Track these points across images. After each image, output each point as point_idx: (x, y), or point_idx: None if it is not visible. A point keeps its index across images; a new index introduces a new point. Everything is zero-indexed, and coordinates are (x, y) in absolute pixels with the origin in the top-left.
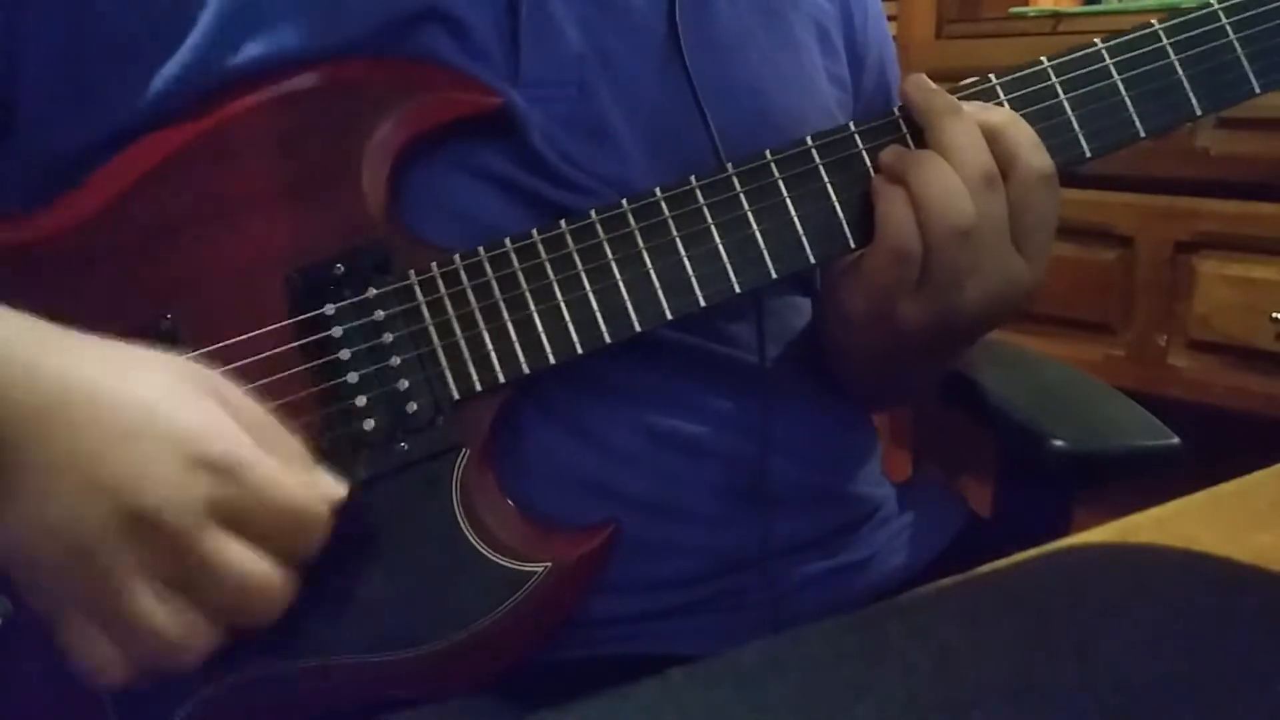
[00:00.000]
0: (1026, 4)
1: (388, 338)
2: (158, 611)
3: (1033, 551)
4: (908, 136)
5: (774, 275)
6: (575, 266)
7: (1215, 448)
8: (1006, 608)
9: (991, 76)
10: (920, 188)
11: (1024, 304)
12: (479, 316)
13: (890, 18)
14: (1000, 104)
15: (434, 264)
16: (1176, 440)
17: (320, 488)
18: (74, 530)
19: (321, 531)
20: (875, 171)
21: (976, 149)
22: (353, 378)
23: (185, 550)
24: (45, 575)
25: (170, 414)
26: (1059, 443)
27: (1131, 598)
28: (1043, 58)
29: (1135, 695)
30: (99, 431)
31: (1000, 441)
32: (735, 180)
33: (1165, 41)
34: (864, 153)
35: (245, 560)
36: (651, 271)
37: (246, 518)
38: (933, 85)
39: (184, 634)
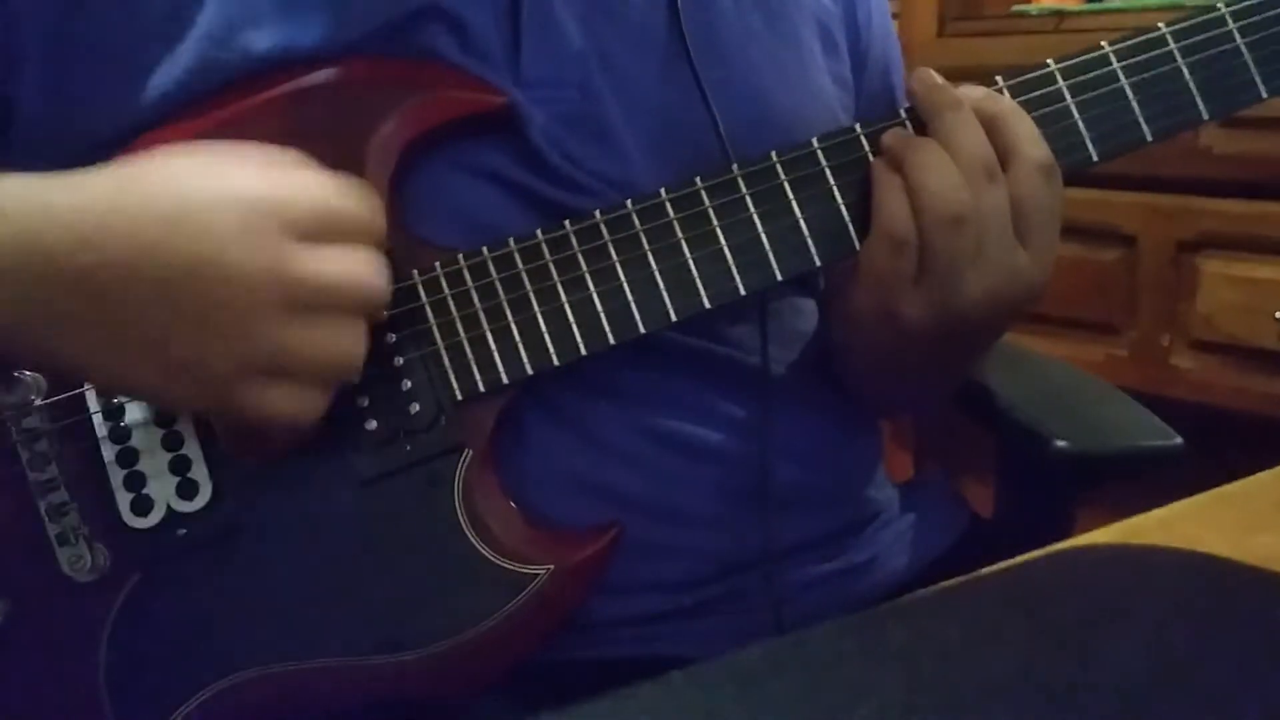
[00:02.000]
0: (1029, 2)
1: (391, 338)
2: (310, 337)
3: (1035, 553)
4: (908, 124)
5: (779, 277)
6: (580, 268)
7: (1218, 448)
8: (1008, 609)
9: (998, 78)
10: (916, 175)
11: (1031, 303)
12: (482, 317)
13: (892, 16)
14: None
15: (437, 264)
16: (1179, 441)
17: (365, 196)
18: (209, 318)
19: (384, 228)
20: (875, 156)
21: (975, 140)
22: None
23: (308, 282)
24: (200, 373)
25: (235, 188)
26: (1061, 443)
27: (1133, 598)
28: (1049, 60)
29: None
30: (185, 226)
31: (1002, 442)
32: (741, 182)
33: (1173, 45)
34: (870, 155)
35: (344, 264)
36: (656, 273)
37: (327, 238)
38: (938, 79)
39: (339, 347)
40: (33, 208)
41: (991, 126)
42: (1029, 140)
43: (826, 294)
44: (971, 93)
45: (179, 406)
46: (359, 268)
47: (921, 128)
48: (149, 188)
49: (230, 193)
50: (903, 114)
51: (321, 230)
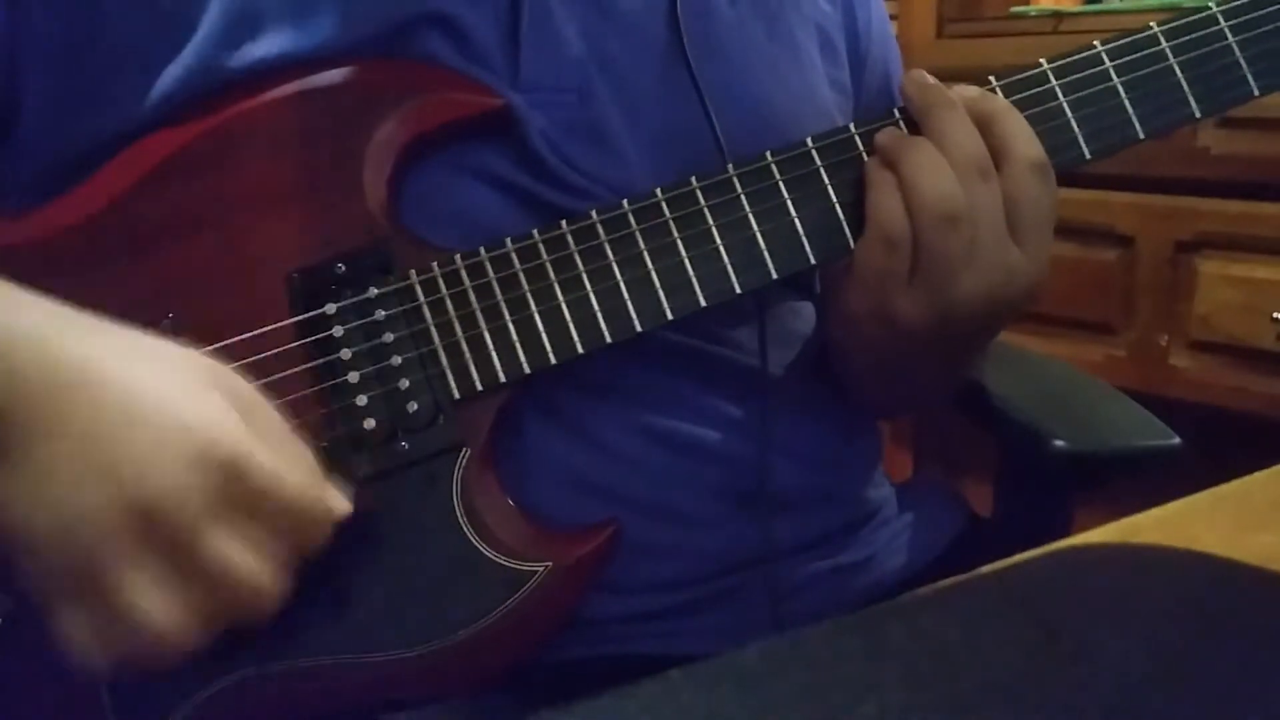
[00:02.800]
0: (1027, 3)
1: (389, 337)
2: (146, 603)
3: (1033, 552)
4: (902, 124)
5: (774, 276)
6: (576, 267)
7: (1216, 448)
8: (1007, 608)
9: (991, 78)
10: (909, 173)
11: (1026, 302)
12: (480, 316)
13: (891, 17)
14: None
15: (435, 264)
16: (1177, 440)
17: (325, 497)
18: (72, 510)
19: (322, 539)
20: (869, 155)
21: (968, 139)
22: (353, 377)
23: (182, 543)
24: (39, 555)
25: (181, 406)
26: (1060, 443)
27: (1132, 598)
28: (1042, 60)
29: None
30: (110, 416)
31: (1001, 442)
32: (736, 181)
33: (1165, 44)
34: (865, 154)
35: (241, 559)
36: (652, 272)
37: (247, 517)
38: (931, 80)
39: (171, 629)
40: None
41: (985, 126)
42: (1022, 139)
43: (823, 295)
44: (965, 92)
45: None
46: (265, 575)
47: (915, 127)
48: (104, 382)
49: (188, 424)
50: (896, 114)
51: (251, 507)
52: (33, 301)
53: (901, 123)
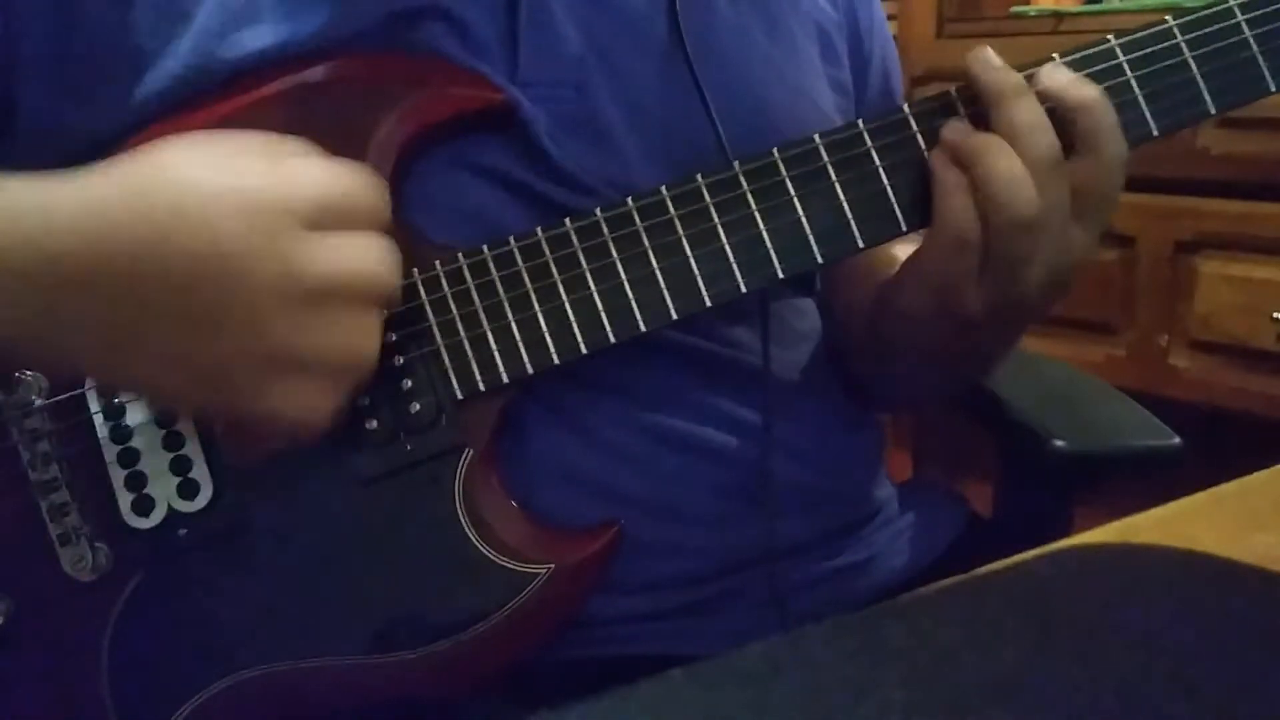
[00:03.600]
0: (1027, 3)
1: (391, 337)
2: (321, 333)
3: (1033, 552)
4: (959, 104)
5: (781, 275)
6: (580, 266)
7: (1216, 448)
8: (1007, 608)
9: (1055, 55)
10: (983, 177)
11: (1077, 270)
12: (482, 316)
13: (890, 17)
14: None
15: (437, 262)
16: (1177, 440)
17: (363, 181)
18: (223, 317)
19: (388, 215)
20: (929, 149)
21: (1042, 133)
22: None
23: (306, 275)
24: (235, 366)
25: (237, 187)
26: (1060, 443)
27: (1132, 598)
28: (1054, 55)
29: (1135, 695)
30: (192, 231)
31: (1001, 442)
32: (742, 179)
33: (1180, 39)
34: (873, 151)
35: (350, 256)
36: (657, 271)
37: (333, 229)
38: (998, 61)
39: (351, 339)
40: (32, 208)
41: (1071, 115)
42: (1111, 135)
43: (831, 288)
44: (1057, 77)
45: (186, 407)
46: (368, 255)
47: (924, 127)
48: (148, 184)
49: (231, 185)
50: (905, 110)
51: (327, 218)
52: (60, 183)
53: (911, 119)
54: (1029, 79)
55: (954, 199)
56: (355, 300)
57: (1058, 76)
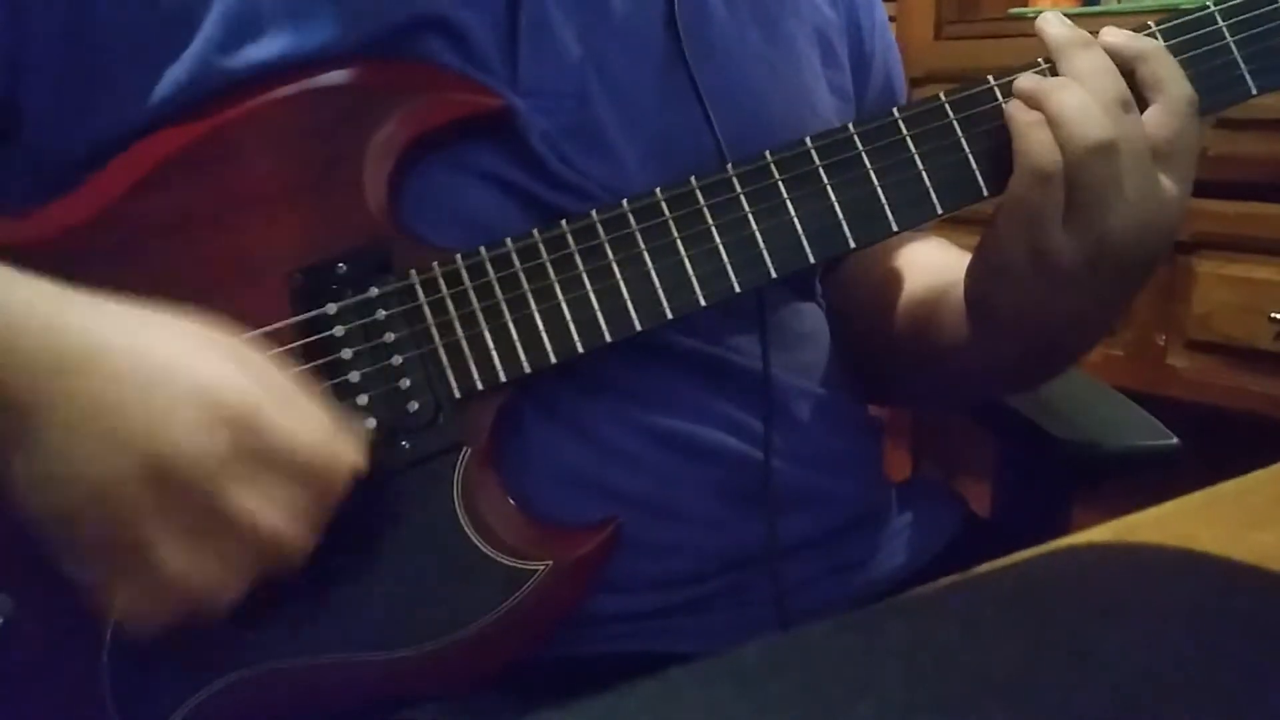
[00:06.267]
0: (1025, 5)
1: (389, 337)
2: (180, 560)
3: (1032, 551)
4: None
5: (774, 275)
6: (576, 267)
7: (1214, 448)
8: (1006, 608)
9: (1150, 23)
10: (1055, 108)
11: (1174, 233)
12: (480, 316)
13: (889, 18)
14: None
15: (435, 264)
16: (1175, 440)
17: (339, 448)
18: (96, 480)
19: (341, 490)
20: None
21: (1108, 74)
22: (354, 376)
23: (203, 500)
24: (69, 531)
25: (190, 367)
26: (1058, 443)
27: (1131, 597)
28: (1040, 60)
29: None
30: (120, 385)
31: (999, 441)
32: (735, 181)
33: (1162, 44)
34: (864, 154)
35: (262, 512)
36: (652, 271)
37: (265, 470)
38: (1067, 21)
39: (207, 582)
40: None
41: (1132, 65)
42: (1173, 76)
43: (976, 253)
44: (1112, 36)
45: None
46: (288, 526)
47: (915, 127)
48: (109, 350)
49: (198, 385)
50: (895, 114)
51: (267, 461)
52: (29, 281)
53: (901, 123)
54: None
55: (1031, 133)
56: (244, 546)
57: (1115, 34)
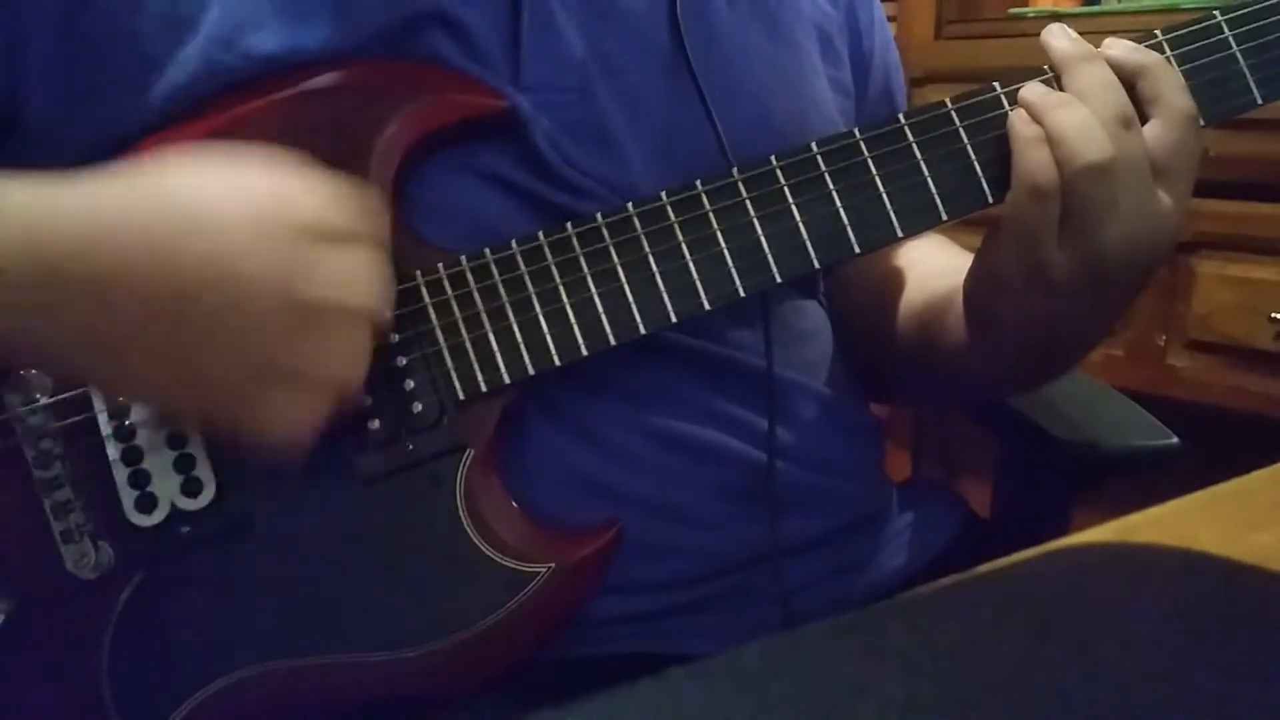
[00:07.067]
0: (1026, 5)
1: (394, 338)
2: (323, 348)
3: (1032, 551)
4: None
5: (778, 279)
6: (581, 269)
7: (1214, 448)
8: (1006, 608)
9: (1157, 32)
10: (1055, 126)
11: (1169, 247)
12: (485, 318)
13: (889, 18)
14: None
15: (440, 265)
16: (1175, 440)
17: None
18: (254, 316)
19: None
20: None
21: (1111, 90)
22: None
23: (313, 296)
24: (222, 372)
25: (249, 202)
26: (1059, 443)
27: (1131, 597)
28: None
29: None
30: (233, 236)
31: (1000, 441)
32: (741, 186)
33: (1169, 52)
34: (869, 160)
35: (353, 285)
36: (656, 274)
37: (343, 249)
38: (1073, 34)
39: (345, 365)
40: (39, 212)
41: (1133, 78)
42: (1174, 90)
43: (974, 262)
44: (1115, 48)
45: (177, 414)
46: (363, 272)
47: (920, 133)
48: (158, 194)
49: (240, 200)
50: (901, 120)
51: (327, 234)
52: (107, 177)
53: (906, 129)
54: None
55: (1031, 150)
56: (347, 317)
57: (1117, 46)
